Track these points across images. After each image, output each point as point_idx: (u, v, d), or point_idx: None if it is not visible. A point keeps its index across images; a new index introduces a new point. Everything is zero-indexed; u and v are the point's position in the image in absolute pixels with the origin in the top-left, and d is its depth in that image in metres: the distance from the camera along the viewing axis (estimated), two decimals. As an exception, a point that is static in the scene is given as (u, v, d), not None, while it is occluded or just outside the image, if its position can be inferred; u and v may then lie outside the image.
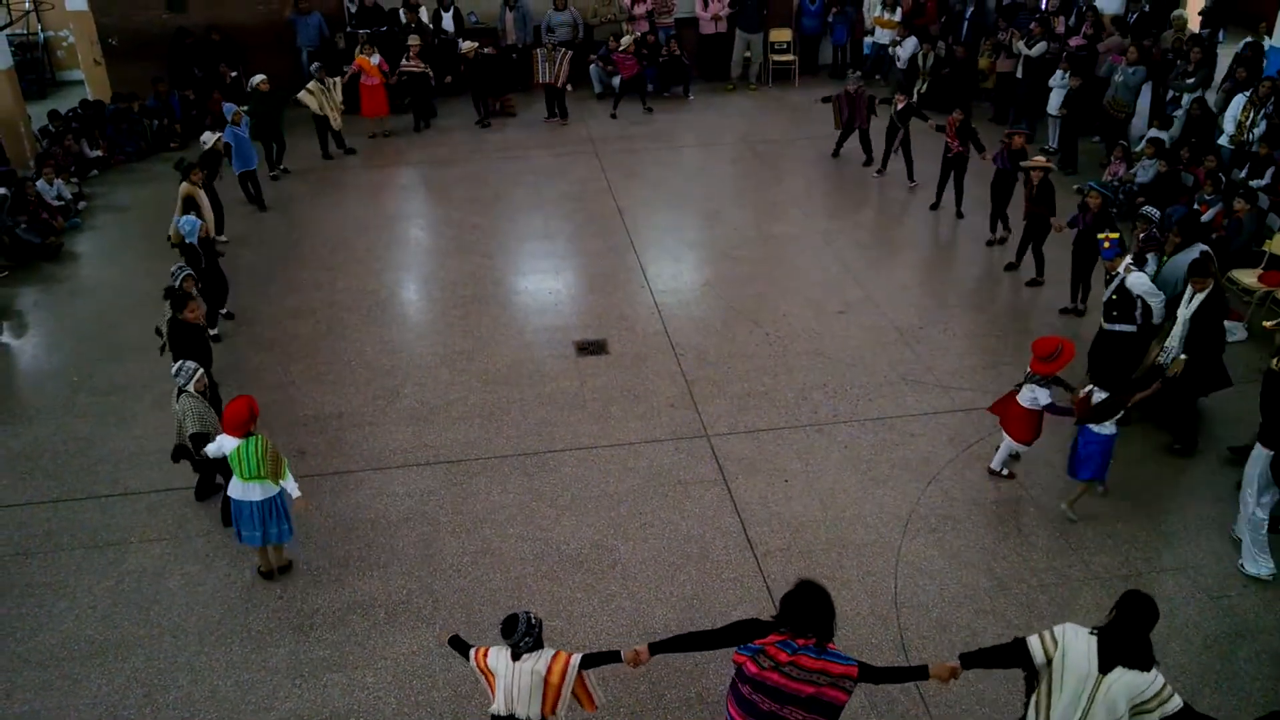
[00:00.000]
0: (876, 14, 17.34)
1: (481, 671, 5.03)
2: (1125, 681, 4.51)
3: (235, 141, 12.33)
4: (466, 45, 15.80)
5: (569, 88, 15.93)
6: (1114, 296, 8.36)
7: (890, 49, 16.85)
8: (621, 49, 16.48)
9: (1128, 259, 8.37)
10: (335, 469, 8.15)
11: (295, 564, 7.15)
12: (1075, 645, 4.62)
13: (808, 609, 4.59)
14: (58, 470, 8.22)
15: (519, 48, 16.30)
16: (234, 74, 15.97)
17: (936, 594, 6.80)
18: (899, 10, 16.90)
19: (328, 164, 14.69)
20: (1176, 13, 14.84)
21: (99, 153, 14.72)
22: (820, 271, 11.30)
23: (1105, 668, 4.54)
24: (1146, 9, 15.38)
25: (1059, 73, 13.84)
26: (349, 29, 16.60)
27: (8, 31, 14.59)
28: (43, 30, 18.99)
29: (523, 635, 4.88)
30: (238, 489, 6.67)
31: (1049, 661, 4.67)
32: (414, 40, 15.50)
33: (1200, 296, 7.86)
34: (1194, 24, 15.95)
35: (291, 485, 6.73)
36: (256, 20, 16.87)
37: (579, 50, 17.21)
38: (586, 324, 10.31)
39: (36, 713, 6.06)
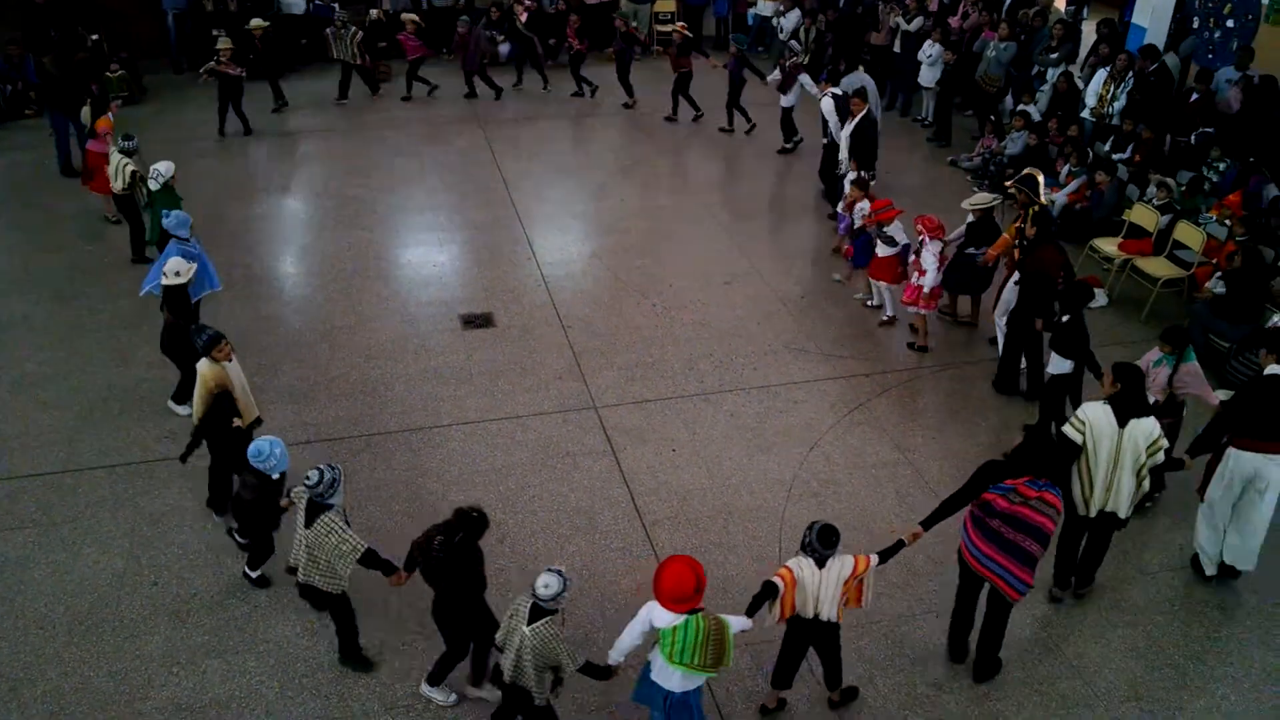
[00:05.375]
0: (760, -14, 17.50)
1: (788, 586, 5.43)
2: (1141, 427, 6.08)
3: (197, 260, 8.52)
4: (255, 23, 14.54)
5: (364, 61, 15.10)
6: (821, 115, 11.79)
7: (774, 20, 17.02)
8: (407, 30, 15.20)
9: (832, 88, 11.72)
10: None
11: (177, 551, 6.89)
12: (1096, 415, 6.14)
13: (1047, 452, 5.72)
14: (-94, 458, 7.74)
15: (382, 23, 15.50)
16: (94, 37, 15.10)
17: (819, 556, 6.95)
18: (782, -18, 17.05)
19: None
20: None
21: (-55, 121, 13.80)
22: (705, 243, 11.39)
23: (1122, 423, 6.07)
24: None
25: (928, 44, 14.16)
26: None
27: None
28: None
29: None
30: (657, 668, 5.23)
31: (1084, 438, 6.13)
32: (224, 44, 13.40)
33: (856, 118, 11.02)
34: (1060, 1, 16.54)
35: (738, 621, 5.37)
36: (118, -22, 16.00)
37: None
38: (472, 297, 10.18)
39: (-111, 715, 5.74)
